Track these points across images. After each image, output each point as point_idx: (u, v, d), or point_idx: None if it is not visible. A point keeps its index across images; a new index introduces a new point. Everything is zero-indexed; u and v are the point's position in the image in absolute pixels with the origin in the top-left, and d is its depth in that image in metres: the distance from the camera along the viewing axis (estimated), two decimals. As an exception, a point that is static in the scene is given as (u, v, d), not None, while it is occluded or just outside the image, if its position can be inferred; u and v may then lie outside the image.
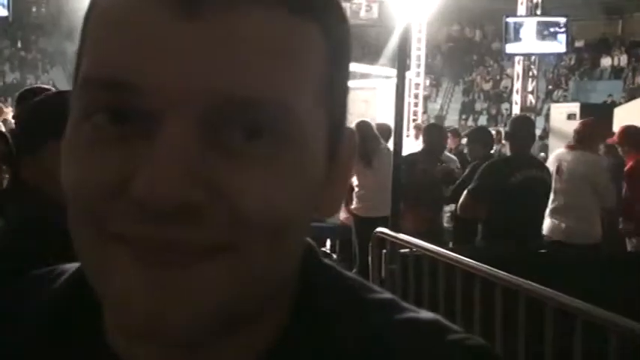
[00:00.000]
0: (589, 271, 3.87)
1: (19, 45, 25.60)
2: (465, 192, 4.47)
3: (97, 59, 0.40)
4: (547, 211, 4.90)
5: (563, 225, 4.86)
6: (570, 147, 5.08)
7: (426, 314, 0.50)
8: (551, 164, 5.10)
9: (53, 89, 3.74)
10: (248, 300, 0.42)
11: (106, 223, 0.40)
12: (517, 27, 12.20)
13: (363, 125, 5.36)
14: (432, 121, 15.69)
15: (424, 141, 5.88)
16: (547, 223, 4.94)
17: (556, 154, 5.22)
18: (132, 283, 0.39)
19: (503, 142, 4.73)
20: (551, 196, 4.91)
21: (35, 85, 5.27)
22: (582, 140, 5.02)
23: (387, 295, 0.52)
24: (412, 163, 5.25)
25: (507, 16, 12.44)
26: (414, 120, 14.49)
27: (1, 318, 0.52)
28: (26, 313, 0.51)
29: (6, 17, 11.21)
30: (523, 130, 4.63)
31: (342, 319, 0.49)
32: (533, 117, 12.82)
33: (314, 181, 0.44)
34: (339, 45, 0.45)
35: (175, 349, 0.44)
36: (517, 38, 12.16)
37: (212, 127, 0.39)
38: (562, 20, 12.20)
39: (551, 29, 12.11)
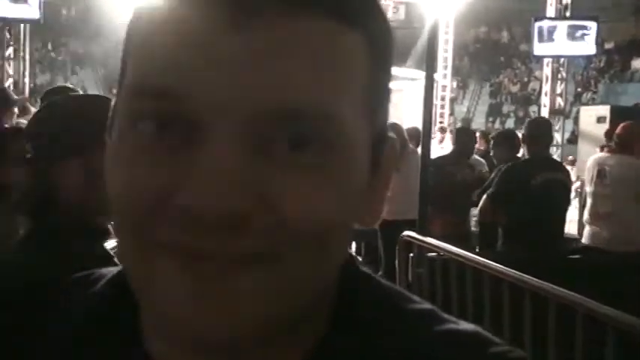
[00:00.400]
0: (623, 276, 3.80)
1: (50, 47, 25.96)
2: (484, 196, 4.45)
3: (145, 68, 0.40)
4: (585, 216, 4.82)
5: (605, 232, 4.72)
6: (611, 150, 4.98)
7: (466, 325, 0.50)
8: (589, 168, 5.00)
9: (77, 89, 3.78)
10: (291, 308, 0.42)
11: (152, 232, 0.40)
12: (546, 29, 12.08)
13: (393, 128, 5.35)
14: (459, 123, 15.60)
15: (453, 143, 5.86)
16: (587, 230, 4.85)
17: (596, 157, 5.08)
18: (177, 293, 0.39)
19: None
20: (589, 201, 4.83)
21: (58, 85, 5.33)
22: (624, 144, 4.88)
23: (427, 305, 0.52)
24: (440, 166, 5.23)
25: (536, 19, 12.31)
26: (441, 122, 14.43)
27: (40, 320, 0.53)
28: (65, 316, 0.52)
29: (37, 19, 11.38)
30: (541, 132, 4.62)
31: (383, 329, 0.48)
32: (562, 120, 12.71)
33: (357, 190, 0.44)
34: (383, 52, 0.45)
35: (214, 355, 0.43)
36: (546, 40, 12.03)
37: (259, 137, 0.39)
38: (592, 23, 12.04)
39: (581, 31, 11.97)
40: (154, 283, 0.40)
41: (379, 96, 0.45)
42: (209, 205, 0.37)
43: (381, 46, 0.44)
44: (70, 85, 4.34)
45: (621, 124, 5.08)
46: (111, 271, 0.54)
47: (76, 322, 0.50)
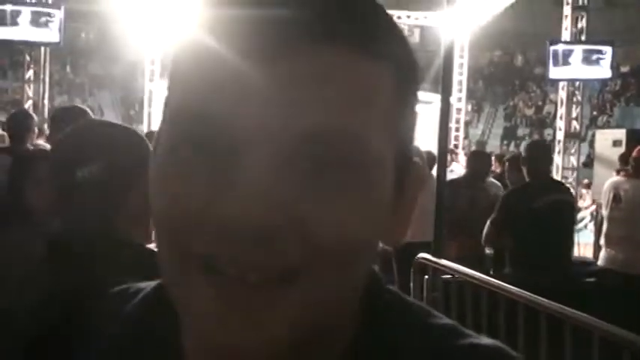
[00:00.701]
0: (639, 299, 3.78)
1: (68, 69, 26.29)
2: (488, 222, 4.44)
3: (188, 95, 0.44)
4: (602, 240, 4.79)
5: (620, 255, 4.71)
6: (628, 175, 4.95)
7: (487, 340, 0.52)
8: (606, 192, 4.98)
9: (86, 109, 3.82)
10: (318, 324, 0.45)
11: (190, 247, 0.43)
12: (561, 52, 12.09)
13: (414, 151, 5.35)
14: (473, 146, 15.57)
15: (468, 166, 5.86)
16: (602, 253, 4.83)
17: (612, 181, 5.07)
18: (211, 309, 0.43)
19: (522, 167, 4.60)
20: (605, 225, 4.80)
21: (69, 105, 5.40)
22: (639, 167, 4.90)
23: (448, 320, 0.54)
24: (455, 188, 5.22)
25: (551, 42, 12.34)
26: (455, 145, 14.42)
27: (81, 333, 0.55)
28: (104, 329, 0.54)
29: (57, 42, 11.56)
30: (539, 154, 4.56)
31: (406, 343, 0.51)
32: (577, 143, 12.67)
33: (382, 210, 0.46)
34: (407, 77, 0.48)
35: None
36: (561, 63, 12.04)
37: (291, 159, 0.42)
38: (607, 48, 12.04)
39: (596, 55, 11.96)
40: (191, 301, 0.44)
41: (404, 119, 0.48)
42: (245, 217, 0.40)
43: (405, 71, 0.47)
44: (81, 106, 4.39)
45: (637, 148, 5.06)
46: (149, 284, 0.57)
47: (116, 336, 0.53)
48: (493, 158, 7.54)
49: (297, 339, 0.44)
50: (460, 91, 15.80)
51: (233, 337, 0.42)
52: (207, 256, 0.42)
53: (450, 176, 5.93)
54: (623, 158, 6.10)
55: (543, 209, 4.24)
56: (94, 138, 1.40)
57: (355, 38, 0.44)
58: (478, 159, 5.87)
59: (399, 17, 14.75)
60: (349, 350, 0.50)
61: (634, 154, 5.04)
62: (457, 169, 9.45)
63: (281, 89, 0.42)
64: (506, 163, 6.21)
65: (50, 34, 11.37)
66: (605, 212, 4.94)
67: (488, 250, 5.73)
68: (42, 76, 12.09)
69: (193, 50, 0.45)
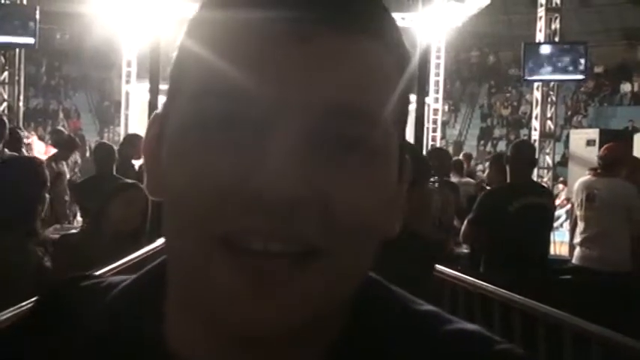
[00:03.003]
0: (612, 296, 3.82)
1: (43, 71, 26.00)
2: (465, 221, 4.47)
3: (216, 72, 0.45)
4: (577, 240, 4.85)
5: (595, 253, 4.77)
6: (597, 174, 5.00)
7: (470, 325, 0.54)
8: (577, 192, 5.03)
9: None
10: (334, 303, 0.47)
11: (214, 224, 0.44)
12: (536, 53, 12.21)
13: None
14: (451, 146, 15.68)
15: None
16: (577, 252, 4.89)
17: (582, 181, 5.12)
18: (233, 284, 0.44)
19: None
20: (580, 224, 4.86)
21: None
22: (608, 166, 4.94)
23: (432, 307, 0.56)
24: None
25: (526, 44, 12.46)
26: (433, 145, 14.50)
27: (56, 326, 0.56)
28: (80, 323, 0.54)
29: (32, 44, 11.43)
30: (522, 155, 4.56)
31: (395, 329, 0.52)
32: (552, 143, 12.80)
33: (391, 195, 0.49)
34: (409, 74, 0.51)
35: (238, 352, 0.47)
36: (536, 64, 12.16)
37: (317, 135, 0.44)
38: (581, 47, 12.18)
39: (570, 55, 12.10)
40: (211, 279, 0.44)
41: (404, 110, 0.51)
42: (277, 188, 0.42)
43: (407, 69, 0.50)
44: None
45: (604, 146, 5.13)
46: (123, 279, 0.57)
47: (97, 330, 0.53)
48: (462, 157, 7.62)
49: (310, 317, 0.45)
50: (437, 91, 15.89)
51: (251, 312, 0.43)
52: (232, 232, 0.43)
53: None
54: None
55: (517, 212, 4.25)
56: None
57: (374, 31, 0.47)
58: (436, 156, 5.91)
59: (376, 18, 14.75)
60: (339, 336, 0.51)
61: (601, 153, 5.10)
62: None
63: (310, 66, 0.44)
64: (487, 163, 6.27)
65: (25, 35, 11.25)
66: (578, 212, 5.00)
67: (466, 250, 5.79)
68: (17, 78, 11.95)
69: (216, 28, 0.46)
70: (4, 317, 2.04)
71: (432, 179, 5.45)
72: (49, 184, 2.98)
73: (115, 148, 5.63)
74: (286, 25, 0.44)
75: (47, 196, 2.92)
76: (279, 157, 0.42)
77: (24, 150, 6.54)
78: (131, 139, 6.69)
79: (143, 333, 0.52)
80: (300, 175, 0.43)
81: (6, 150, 5.37)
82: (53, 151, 7.80)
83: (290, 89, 0.44)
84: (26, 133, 10.89)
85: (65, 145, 7.45)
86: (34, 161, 3.21)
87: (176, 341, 0.51)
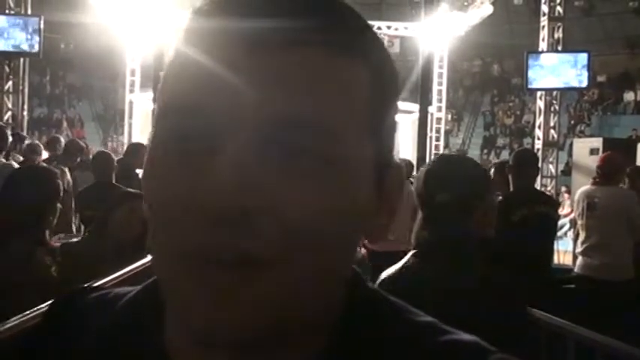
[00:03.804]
0: (614, 304, 3.80)
1: (47, 80, 26.10)
2: None
3: (174, 90, 0.47)
4: (579, 249, 4.83)
5: (597, 262, 4.76)
6: (597, 183, 5.00)
7: (466, 336, 0.54)
8: (578, 201, 5.02)
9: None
10: (295, 312, 0.47)
11: (175, 238, 0.45)
12: (538, 62, 12.23)
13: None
14: (454, 155, 15.66)
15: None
16: (579, 261, 4.87)
17: (583, 190, 5.12)
18: (194, 296, 0.45)
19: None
20: (581, 233, 4.84)
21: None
22: (607, 174, 4.95)
23: (429, 317, 0.55)
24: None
25: (529, 52, 12.47)
26: (436, 154, 14.50)
27: (63, 337, 0.57)
28: (87, 334, 0.56)
29: (37, 53, 11.49)
30: (524, 164, 4.50)
31: (389, 340, 0.52)
32: (555, 152, 12.80)
33: (358, 204, 0.48)
34: (386, 82, 0.50)
35: (223, 355, 0.48)
36: (539, 73, 12.17)
37: (267, 147, 0.44)
38: (584, 57, 12.20)
39: (573, 64, 12.11)
40: (176, 288, 0.46)
41: (384, 122, 0.51)
42: (221, 198, 0.42)
43: (384, 76, 0.50)
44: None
45: (602, 155, 5.12)
46: (129, 290, 0.59)
47: (102, 341, 0.54)
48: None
49: (272, 325, 0.45)
50: (440, 100, 15.93)
51: (210, 321, 0.44)
52: (189, 243, 0.44)
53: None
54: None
55: (522, 222, 4.22)
56: (450, 171, 1.89)
57: (330, 38, 0.46)
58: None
59: (379, 28, 14.84)
60: (330, 344, 0.51)
61: (598, 162, 5.11)
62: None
63: (258, 80, 0.44)
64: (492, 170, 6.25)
65: (29, 45, 11.31)
66: (579, 221, 4.99)
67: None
68: (21, 87, 12.00)
69: (179, 54, 0.48)
70: (9, 326, 2.05)
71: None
72: (61, 194, 2.99)
73: (114, 157, 5.64)
74: (238, 42, 0.45)
75: (59, 206, 2.92)
76: (229, 168, 0.43)
77: (38, 160, 6.57)
78: (135, 148, 6.70)
79: (146, 343, 0.53)
80: (250, 185, 0.43)
81: (2, 159, 5.39)
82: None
83: (241, 102, 0.44)
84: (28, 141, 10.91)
85: (66, 149, 7.45)
86: (46, 171, 3.22)
87: (174, 350, 0.52)
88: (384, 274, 1.88)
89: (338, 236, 0.47)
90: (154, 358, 0.52)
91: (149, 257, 3.31)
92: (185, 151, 0.45)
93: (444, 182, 1.87)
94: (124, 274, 2.95)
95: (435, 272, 1.77)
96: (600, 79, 23.78)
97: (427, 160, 7.02)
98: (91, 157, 7.00)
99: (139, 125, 13.82)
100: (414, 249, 1.92)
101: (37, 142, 7.85)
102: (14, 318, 2.07)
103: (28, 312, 2.06)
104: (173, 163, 0.46)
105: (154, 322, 0.53)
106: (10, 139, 5.05)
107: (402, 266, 1.88)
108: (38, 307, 2.08)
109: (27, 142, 7.57)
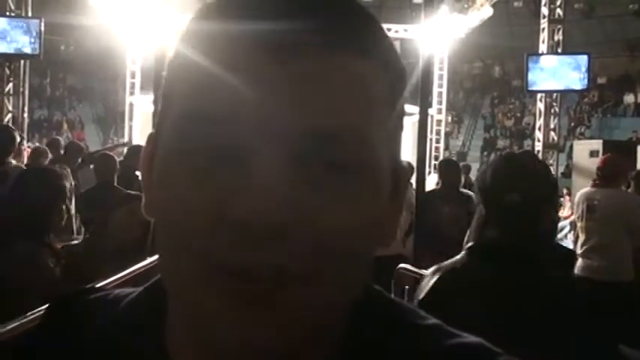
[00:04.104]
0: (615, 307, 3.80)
1: (48, 82, 26.11)
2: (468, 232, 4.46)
3: (196, 96, 0.44)
4: (579, 251, 4.83)
5: (597, 264, 4.77)
6: (597, 185, 5.01)
7: (472, 338, 0.53)
8: (578, 203, 5.02)
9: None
10: (322, 322, 0.46)
11: (203, 251, 0.43)
12: (538, 64, 12.24)
13: None
14: (454, 157, 15.67)
15: (441, 177, 5.89)
16: (579, 263, 4.87)
17: (583, 193, 5.13)
18: (223, 311, 0.43)
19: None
20: (581, 235, 4.84)
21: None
22: (607, 177, 4.95)
23: (435, 320, 0.55)
24: (429, 199, 5.24)
25: (529, 54, 12.48)
26: (436, 157, 14.50)
27: (64, 338, 0.56)
28: (88, 335, 0.55)
29: (37, 55, 11.49)
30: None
31: (397, 342, 0.52)
32: (556, 154, 12.80)
33: (381, 215, 0.48)
34: (400, 87, 0.50)
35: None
36: (539, 75, 12.17)
37: (302, 160, 0.43)
38: (584, 59, 12.20)
39: (573, 66, 12.11)
40: (202, 304, 0.44)
41: (397, 126, 0.51)
42: (260, 216, 0.41)
43: (399, 82, 0.50)
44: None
45: (602, 157, 5.12)
46: (130, 292, 0.58)
47: (103, 342, 0.54)
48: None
49: (305, 338, 0.45)
50: (440, 102, 15.93)
51: (245, 335, 0.43)
52: (222, 258, 0.43)
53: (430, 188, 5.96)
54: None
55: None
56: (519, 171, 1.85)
57: (359, 46, 0.46)
58: (447, 169, 5.88)
59: (379, 30, 14.80)
60: (339, 349, 0.51)
61: (599, 163, 5.11)
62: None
63: (292, 89, 0.43)
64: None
65: (30, 47, 11.31)
66: (579, 223, 4.99)
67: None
68: (21, 89, 12.00)
69: (199, 54, 0.45)
70: (10, 327, 2.05)
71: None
72: (68, 195, 3.00)
73: (117, 159, 5.64)
74: (271, 44, 0.43)
75: (64, 207, 2.93)
76: (264, 183, 0.42)
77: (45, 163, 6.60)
78: (135, 150, 6.70)
79: (147, 344, 0.53)
80: (286, 201, 0.42)
81: (12, 161, 5.39)
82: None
83: (273, 113, 0.42)
84: (30, 144, 10.93)
85: (67, 151, 7.45)
86: (51, 172, 3.23)
87: (177, 353, 0.52)
88: (438, 271, 1.85)
89: (365, 247, 0.46)
90: (155, 358, 0.52)
91: (149, 259, 3.32)
92: (210, 162, 0.43)
93: (513, 182, 1.82)
94: (125, 275, 2.95)
95: (497, 271, 1.74)
96: (600, 81, 23.79)
97: (427, 162, 7.01)
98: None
99: (139, 127, 13.81)
100: (470, 247, 1.88)
101: (42, 146, 7.86)
102: (15, 320, 2.07)
103: (29, 313, 2.06)
104: (196, 173, 0.44)
105: (155, 324, 0.53)
106: (18, 139, 5.04)
107: (458, 263, 1.84)
108: (39, 309, 2.09)
109: (28, 144, 7.58)
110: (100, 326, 0.55)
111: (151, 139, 0.51)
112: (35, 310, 2.07)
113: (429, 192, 5.53)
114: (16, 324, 2.04)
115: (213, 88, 0.43)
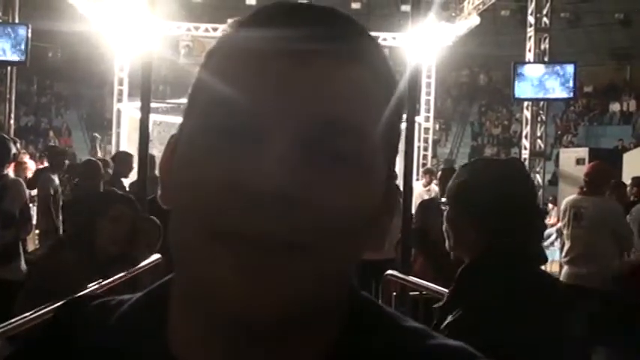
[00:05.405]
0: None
1: (34, 88, 25.99)
2: None
3: (223, 89, 0.51)
4: (564, 259, 4.86)
5: (583, 270, 4.81)
6: (584, 192, 5.05)
7: (454, 341, 0.58)
8: (564, 211, 5.06)
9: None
10: (321, 296, 0.51)
11: (214, 220, 0.49)
12: (526, 73, 12.32)
13: None
14: (442, 165, 15.72)
15: (441, 183, 5.91)
16: (565, 270, 4.91)
17: (569, 200, 5.18)
18: (232, 274, 0.48)
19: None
20: (567, 242, 4.87)
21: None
22: (594, 184, 4.99)
23: (419, 324, 0.60)
24: (433, 207, 5.24)
25: (516, 63, 12.57)
26: (424, 164, 14.54)
27: (67, 344, 0.58)
28: (90, 339, 0.57)
29: (23, 62, 11.44)
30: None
31: (384, 344, 0.56)
32: (542, 161, 12.87)
33: (374, 206, 0.53)
34: (397, 100, 0.56)
35: (236, 350, 0.52)
36: (526, 84, 12.26)
37: (308, 145, 0.50)
38: (570, 67, 12.30)
39: (560, 75, 12.21)
40: (210, 269, 0.49)
41: (393, 132, 0.57)
42: (267, 182, 0.47)
43: (394, 96, 0.56)
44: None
45: (590, 165, 5.16)
46: (131, 297, 0.61)
47: (105, 345, 0.56)
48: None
49: (302, 308, 0.49)
50: (428, 110, 16.01)
51: (246, 300, 0.48)
52: (230, 226, 0.48)
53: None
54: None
55: None
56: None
57: (364, 59, 0.54)
58: (449, 176, 5.91)
59: (367, 38, 14.85)
60: (331, 351, 0.55)
61: (587, 170, 5.15)
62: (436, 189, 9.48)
63: (301, 86, 0.50)
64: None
65: (16, 53, 11.27)
66: (565, 231, 5.02)
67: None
68: (8, 96, 11.95)
69: (226, 57, 0.54)
70: (12, 326, 2.06)
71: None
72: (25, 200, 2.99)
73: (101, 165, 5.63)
74: (288, 52, 0.51)
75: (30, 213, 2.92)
76: (275, 161, 0.48)
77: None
78: (122, 156, 6.69)
79: (150, 345, 0.55)
80: (292, 178, 0.48)
81: (11, 173, 5.22)
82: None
83: (286, 104, 0.50)
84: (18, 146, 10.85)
85: (50, 158, 7.41)
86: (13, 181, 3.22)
87: (179, 347, 0.55)
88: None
89: (359, 231, 0.52)
90: (155, 356, 0.54)
91: (142, 263, 3.31)
92: (230, 143, 0.49)
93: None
94: (113, 281, 2.94)
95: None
96: (587, 89, 24.01)
97: (415, 170, 7.03)
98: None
99: (127, 134, 13.78)
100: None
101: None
102: (17, 317, 2.10)
103: (28, 313, 2.09)
104: (216, 152, 0.50)
105: (157, 325, 0.56)
106: (14, 150, 4.82)
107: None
108: (39, 310, 2.11)
109: (23, 151, 7.50)
110: (102, 330, 0.57)
111: (172, 140, 0.57)
112: (35, 311, 2.10)
113: (429, 200, 5.54)
114: (17, 323, 2.06)
115: (236, 84, 0.51)
